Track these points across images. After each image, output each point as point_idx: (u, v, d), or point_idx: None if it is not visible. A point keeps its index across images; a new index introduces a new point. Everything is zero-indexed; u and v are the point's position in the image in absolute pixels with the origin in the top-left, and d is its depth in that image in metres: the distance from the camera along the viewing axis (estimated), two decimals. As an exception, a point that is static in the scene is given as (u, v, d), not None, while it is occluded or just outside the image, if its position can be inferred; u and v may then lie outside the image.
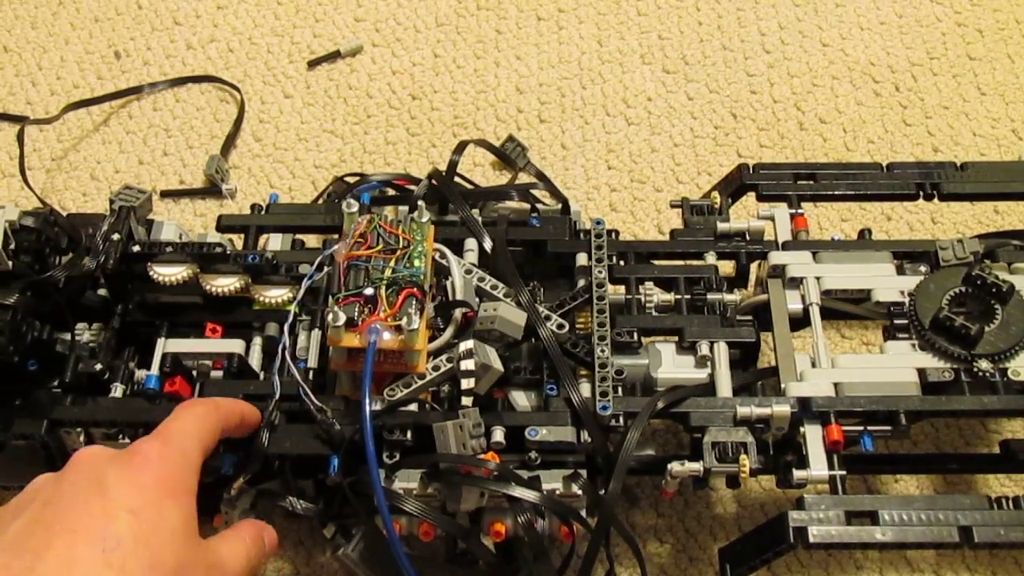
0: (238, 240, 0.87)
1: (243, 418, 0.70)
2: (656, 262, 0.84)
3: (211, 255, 0.78)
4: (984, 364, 0.75)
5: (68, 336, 0.77)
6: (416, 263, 0.73)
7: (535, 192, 0.91)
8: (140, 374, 0.77)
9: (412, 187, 0.91)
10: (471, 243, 0.81)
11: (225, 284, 0.78)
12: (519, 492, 0.69)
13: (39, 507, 0.58)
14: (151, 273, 0.77)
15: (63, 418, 0.73)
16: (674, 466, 0.72)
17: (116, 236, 0.77)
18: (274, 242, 0.86)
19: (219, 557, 0.62)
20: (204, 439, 0.65)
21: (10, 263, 0.73)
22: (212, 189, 1.05)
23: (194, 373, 0.77)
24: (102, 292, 0.80)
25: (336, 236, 0.78)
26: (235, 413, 0.70)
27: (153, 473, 0.60)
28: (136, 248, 0.77)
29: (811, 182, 0.87)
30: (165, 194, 1.05)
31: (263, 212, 0.88)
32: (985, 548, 0.70)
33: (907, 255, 0.82)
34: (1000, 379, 0.75)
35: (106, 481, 0.58)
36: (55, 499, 0.58)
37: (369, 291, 0.70)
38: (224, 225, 0.86)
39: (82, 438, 0.74)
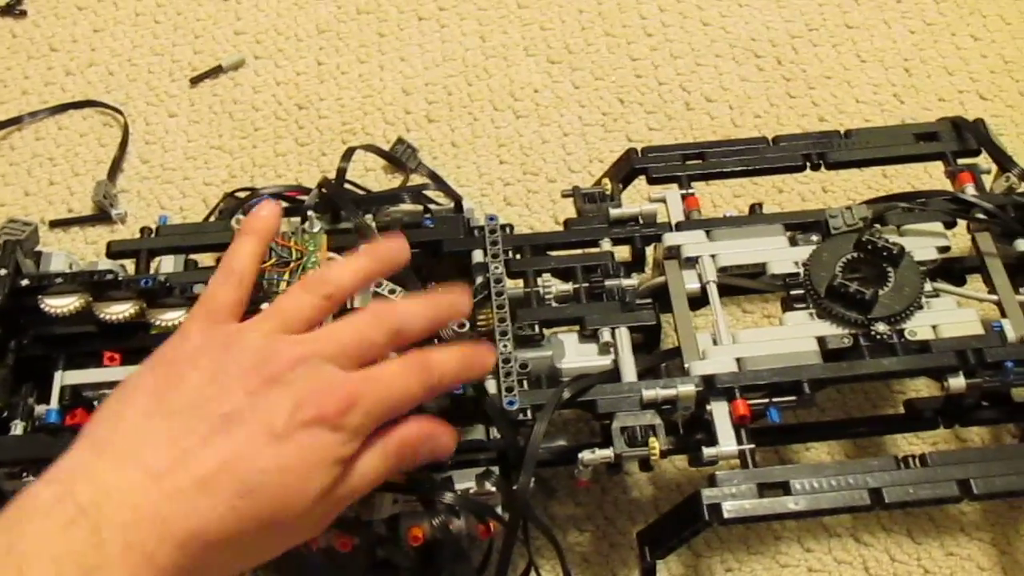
0: (131, 265, 0.86)
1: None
2: (552, 253, 0.84)
3: (103, 283, 0.76)
4: (881, 327, 0.76)
5: (-40, 378, 0.75)
6: (311, 274, 0.72)
7: (429, 192, 0.91)
8: (40, 409, 0.75)
9: (304, 198, 0.90)
10: (366, 249, 0.80)
11: (120, 311, 0.77)
12: (432, 495, 0.69)
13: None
14: (42, 306, 0.76)
15: (-39, 461, 0.72)
16: (585, 455, 0.72)
17: (3, 271, 0.76)
18: (167, 264, 0.85)
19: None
20: None
21: None
22: (102, 215, 1.03)
23: (95, 404, 0.76)
24: (-7, 330, 0.78)
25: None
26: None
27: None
28: (25, 282, 0.76)
29: (700, 161, 0.88)
30: (54, 224, 1.03)
31: (153, 235, 0.86)
32: (897, 508, 0.71)
33: (799, 226, 0.83)
34: (898, 340, 0.76)
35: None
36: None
37: (266, 306, 0.70)
38: (114, 251, 0.85)
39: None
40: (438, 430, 0.66)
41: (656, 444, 0.71)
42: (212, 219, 0.98)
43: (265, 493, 0.57)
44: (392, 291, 0.76)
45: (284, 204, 0.91)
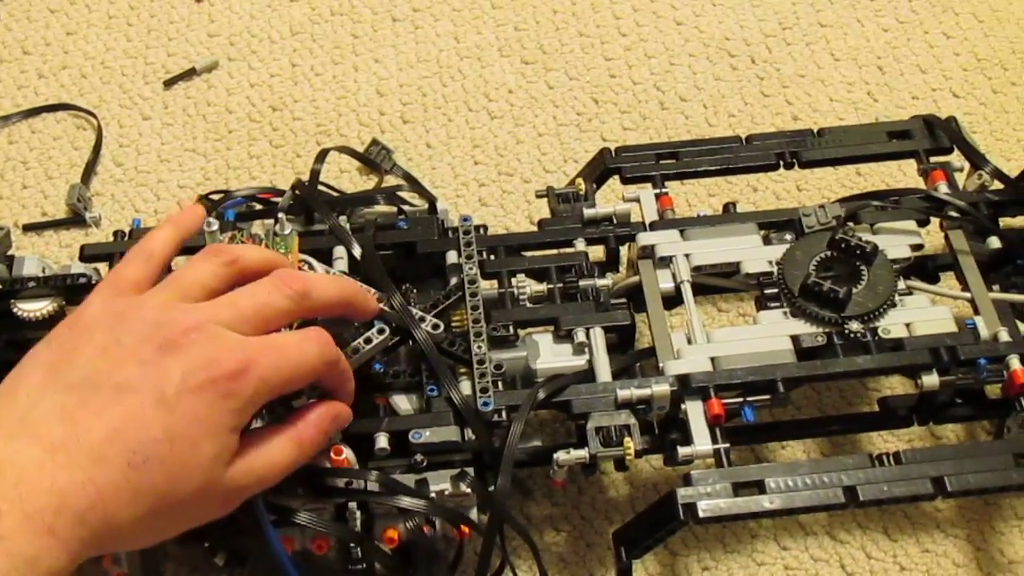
0: (105, 268, 0.85)
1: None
2: (527, 253, 0.84)
3: (76, 286, 0.76)
4: (855, 325, 0.76)
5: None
6: (282, 276, 0.72)
7: (403, 194, 0.91)
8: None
9: (278, 200, 0.90)
10: (340, 251, 0.80)
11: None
12: (404, 503, 0.69)
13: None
14: (15, 310, 0.76)
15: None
16: (560, 455, 0.72)
17: (-26, 276, 0.75)
18: (140, 267, 0.84)
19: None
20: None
21: None
22: (76, 219, 1.03)
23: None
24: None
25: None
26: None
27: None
28: (-3, 287, 0.76)
29: (674, 161, 0.88)
30: (28, 228, 1.03)
31: (127, 238, 0.86)
32: (872, 506, 0.71)
33: (773, 225, 0.83)
34: (871, 339, 0.76)
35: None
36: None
37: None
38: (88, 255, 0.84)
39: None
40: (339, 408, 0.67)
41: (631, 444, 0.71)
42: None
43: (157, 462, 0.56)
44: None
45: (258, 206, 0.91)
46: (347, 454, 0.69)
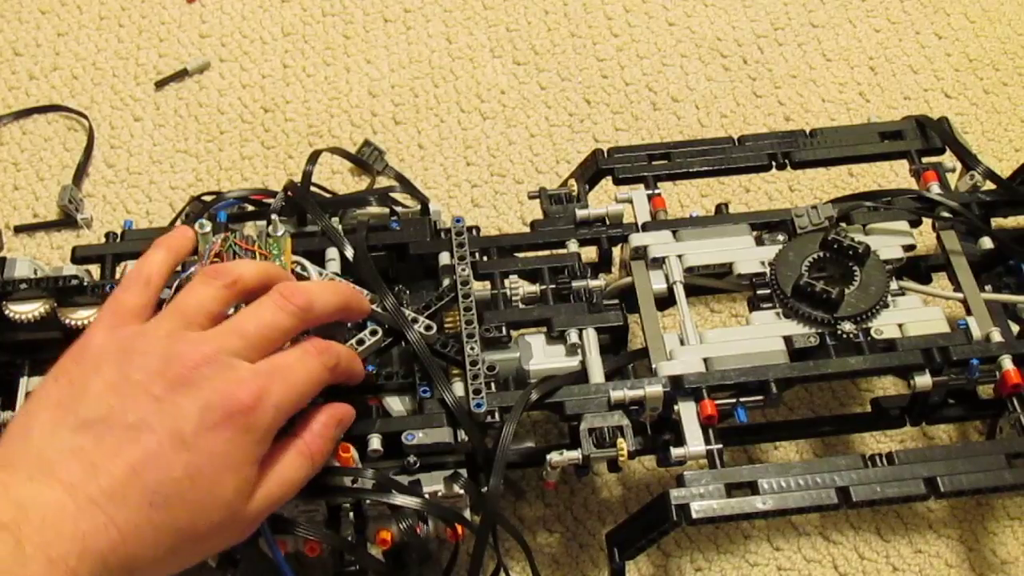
0: (96, 270, 0.85)
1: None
2: (519, 255, 0.84)
3: (67, 288, 0.76)
4: (847, 326, 0.76)
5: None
6: (275, 278, 0.72)
7: (396, 195, 0.91)
8: (5, 415, 0.75)
9: (270, 201, 0.90)
10: (332, 252, 0.80)
11: (85, 316, 0.76)
12: (399, 500, 0.69)
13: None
14: (6, 312, 0.76)
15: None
16: (553, 456, 0.72)
17: (-34, 279, 0.75)
18: (132, 269, 0.84)
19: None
20: None
21: None
22: (67, 220, 1.03)
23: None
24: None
25: (195, 258, 0.77)
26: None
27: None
28: (-13, 289, 0.76)
29: (666, 162, 0.88)
30: (19, 229, 1.02)
31: (118, 240, 0.86)
32: (864, 506, 0.71)
33: (765, 225, 0.83)
34: (864, 339, 0.76)
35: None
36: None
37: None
38: (79, 256, 0.84)
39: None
40: (342, 412, 0.67)
41: (624, 445, 0.71)
42: (178, 223, 0.97)
43: (178, 501, 0.57)
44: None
45: (250, 208, 0.91)
46: (352, 452, 0.70)
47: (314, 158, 0.91)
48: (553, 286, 0.80)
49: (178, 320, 0.63)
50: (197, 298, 0.64)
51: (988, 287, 0.81)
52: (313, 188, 0.91)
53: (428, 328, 0.75)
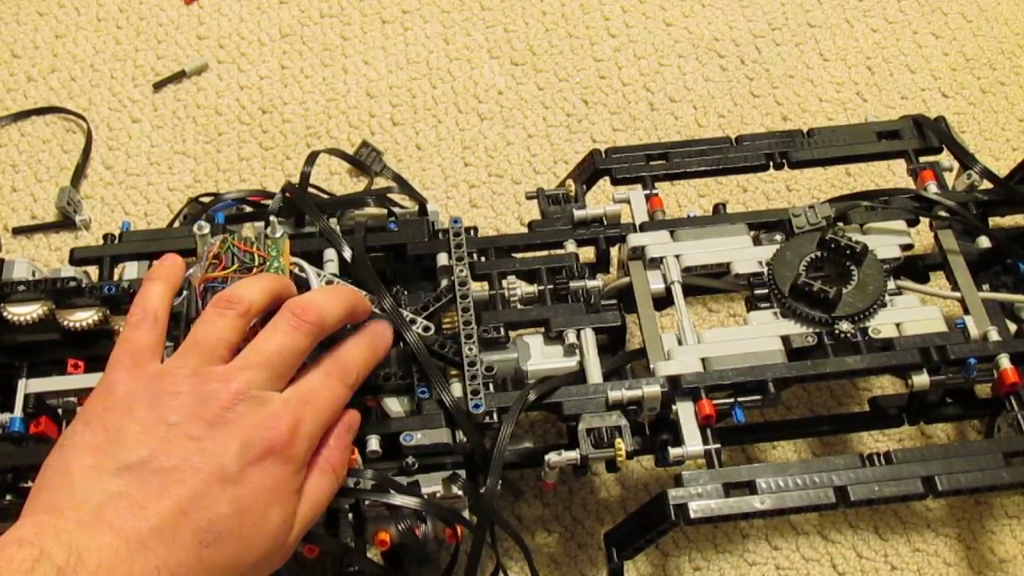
0: (95, 272, 0.85)
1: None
2: (517, 255, 0.84)
3: (65, 290, 0.76)
4: (845, 326, 0.76)
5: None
6: (273, 279, 0.72)
7: (393, 196, 0.91)
8: (3, 417, 0.75)
9: (268, 202, 0.90)
10: (330, 253, 0.80)
11: (83, 318, 0.76)
12: (398, 500, 0.69)
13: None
14: (5, 314, 0.76)
15: (-76, 471, 0.71)
16: (551, 456, 0.72)
17: (-36, 280, 0.75)
18: (130, 270, 0.84)
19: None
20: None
21: None
22: (66, 222, 1.03)
23: (59, 411, 0.76)
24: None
25: (194, 259, 0.77)
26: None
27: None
28: (-14, 291, 0.76)
29: (664, 162, 0.88)
30: (17, 231, 1.03)
31: (117, 241, 0.86)
32: (862, 505, 0.71)
33: (762, 225, 0.84)
34: (861, 339, 0.76)
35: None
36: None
37: None
38: (77, 258, 0.84)
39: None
40: (350, 419, 0.68)
41: (622, 445, 0.71)
42: (176, 225, 0.97)
43: (227, 536, 0.58)
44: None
45: (248, 209, 0.91)
46: (357, 455, 0.70)
47: (312, 159, 0.91)
48: (551, 286, 0.80)
49: (201, 356, 0.63)
50: (216, 331, 0.64)
51: (985, 286, 0.81)
52: (311, 189, 0.91)
53: (426, 329, 0.75)
